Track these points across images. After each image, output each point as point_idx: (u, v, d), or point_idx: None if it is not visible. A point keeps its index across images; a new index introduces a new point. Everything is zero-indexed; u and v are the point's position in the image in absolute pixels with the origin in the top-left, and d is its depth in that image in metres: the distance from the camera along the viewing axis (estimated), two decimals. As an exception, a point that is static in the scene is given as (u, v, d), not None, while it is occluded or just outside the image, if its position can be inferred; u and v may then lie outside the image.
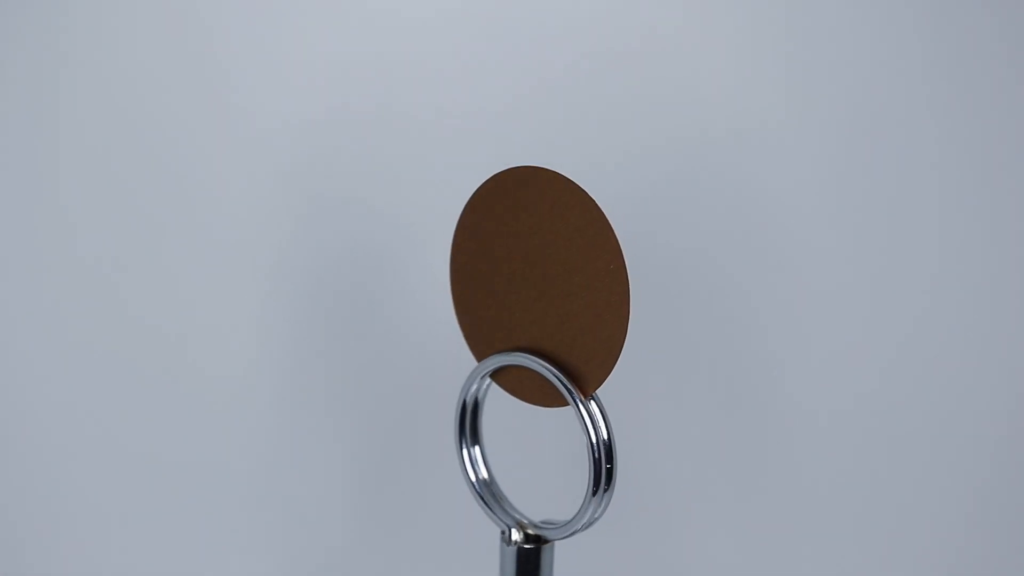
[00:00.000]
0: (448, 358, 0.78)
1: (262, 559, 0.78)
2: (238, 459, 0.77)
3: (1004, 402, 0.83)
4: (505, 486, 0.66)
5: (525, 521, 0.65)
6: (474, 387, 0.65)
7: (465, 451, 0.65)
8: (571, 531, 0.62)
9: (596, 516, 0.61)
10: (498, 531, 0.67)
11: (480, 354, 0.65)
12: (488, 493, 0.65)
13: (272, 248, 0.76)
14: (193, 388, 0.76)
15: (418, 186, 0.77)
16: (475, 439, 0.65)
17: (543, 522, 0.64)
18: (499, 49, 0.77)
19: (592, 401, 0.60)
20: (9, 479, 0.75)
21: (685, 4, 0.79)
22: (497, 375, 0.64)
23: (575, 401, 0.60)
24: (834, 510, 0.83)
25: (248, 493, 0.78)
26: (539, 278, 0.62)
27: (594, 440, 0.60)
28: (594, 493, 0.60)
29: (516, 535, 0.65)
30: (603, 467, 0.59)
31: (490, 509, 0.65)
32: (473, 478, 0.65)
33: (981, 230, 0.82)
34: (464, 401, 0.65)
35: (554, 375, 0.61)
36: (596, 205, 0.59)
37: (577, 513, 0.61)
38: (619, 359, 0.59)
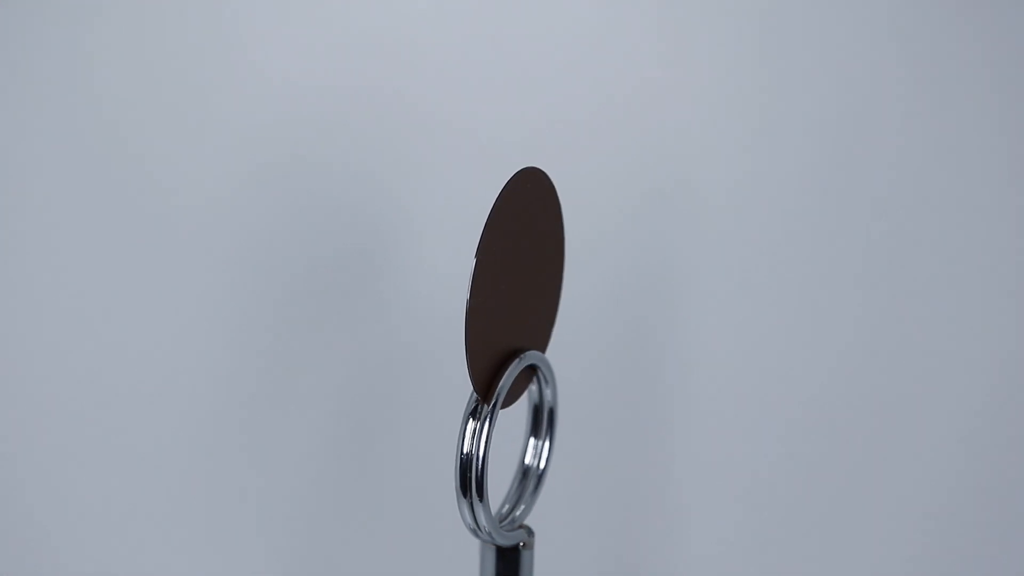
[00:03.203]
0: (435, 357, 0.77)
1: (248, 556, 0.79)
2: (217, 456, 0.78)
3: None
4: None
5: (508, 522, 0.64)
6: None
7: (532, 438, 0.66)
8: (484, 538, 0.61)
9: (481, 526, 0.59)
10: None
11: None
12: (527, 481, 0.65)
13: (247, 243, 0.76)
14: (176, 385, 0.77)
15: (404, 182, 0.76)
16: (537, 431, 0.66)
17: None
18: (494, 51, 0.76)
19: (483, 407, 0.59)
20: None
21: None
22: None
23: (469, 399, 0.60)
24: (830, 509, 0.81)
25: (231, 490, 0.78)
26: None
27: (457, 444, 0.59)
28: (463, 495, 0.59)
29: (496, 533, 0.65)
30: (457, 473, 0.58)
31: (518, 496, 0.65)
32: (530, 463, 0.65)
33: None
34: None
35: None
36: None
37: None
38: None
